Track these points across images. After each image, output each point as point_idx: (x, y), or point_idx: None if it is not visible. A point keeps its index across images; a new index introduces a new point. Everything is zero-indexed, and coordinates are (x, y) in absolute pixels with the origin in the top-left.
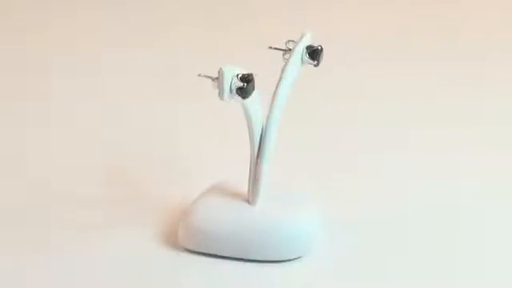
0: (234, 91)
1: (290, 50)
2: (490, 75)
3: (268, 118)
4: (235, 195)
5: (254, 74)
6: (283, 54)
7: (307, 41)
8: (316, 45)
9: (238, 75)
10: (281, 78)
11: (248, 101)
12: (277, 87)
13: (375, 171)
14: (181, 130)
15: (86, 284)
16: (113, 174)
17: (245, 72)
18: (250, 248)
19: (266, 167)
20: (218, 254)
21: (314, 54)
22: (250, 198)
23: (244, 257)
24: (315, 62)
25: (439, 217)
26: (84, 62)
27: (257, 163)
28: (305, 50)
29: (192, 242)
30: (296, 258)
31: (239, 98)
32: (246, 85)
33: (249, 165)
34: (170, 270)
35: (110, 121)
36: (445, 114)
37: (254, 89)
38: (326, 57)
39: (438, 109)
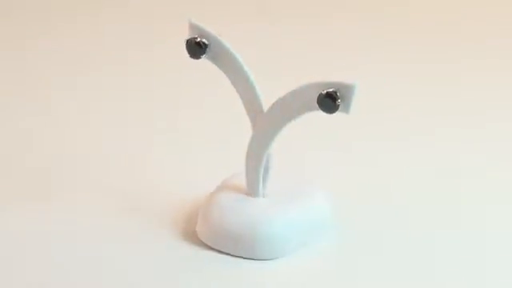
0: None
1: None
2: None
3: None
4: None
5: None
6: None
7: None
8: (332, 91)
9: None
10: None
11: (225, 69)
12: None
13: (377, 165)
14: (182, 126)
15: (87, 283)
16: (116, 172)
17: (195, 36)
18: (245, 244)
19: (253, 159)
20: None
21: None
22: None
23: (235, 253)
24: (317, 105)
25: (443, 216)
26: (84, 61)
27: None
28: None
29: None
30: (271, 259)
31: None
32: (188, 43)
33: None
34: (178, 268)
35: (110, 120)
36: (459, 111)
37: (196, 53)
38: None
39: (448, 105)
